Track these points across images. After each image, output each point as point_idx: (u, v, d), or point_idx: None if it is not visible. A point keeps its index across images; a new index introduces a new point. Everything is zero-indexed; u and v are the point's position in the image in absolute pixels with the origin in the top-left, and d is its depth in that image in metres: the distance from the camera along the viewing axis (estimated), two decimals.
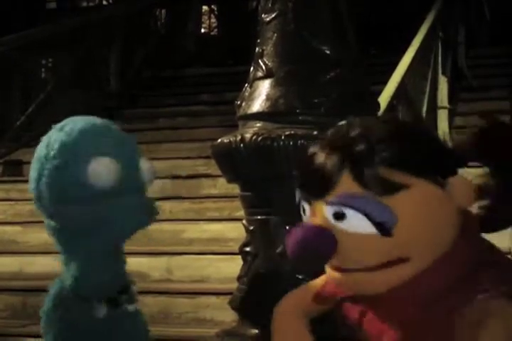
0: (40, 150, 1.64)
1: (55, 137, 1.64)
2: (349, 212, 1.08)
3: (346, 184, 1.08)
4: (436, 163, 1.12)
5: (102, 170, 1.54)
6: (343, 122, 1.18)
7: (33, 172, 1.64)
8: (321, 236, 1.10)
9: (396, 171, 1.08)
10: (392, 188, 1.07)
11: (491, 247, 1.19)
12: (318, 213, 1.12)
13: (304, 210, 1.16)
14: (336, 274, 1.15)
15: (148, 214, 1.67)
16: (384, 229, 1.07)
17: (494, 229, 1.21)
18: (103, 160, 1.56)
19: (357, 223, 1.08)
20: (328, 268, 1.18)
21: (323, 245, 1.10)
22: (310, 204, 1.14)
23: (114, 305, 1.64)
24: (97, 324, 1.63)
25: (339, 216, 1.09)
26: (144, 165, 1.69)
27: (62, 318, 1.65)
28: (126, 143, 1.68)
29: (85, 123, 1.69)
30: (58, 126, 1.66)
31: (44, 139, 1.66)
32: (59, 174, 1.57)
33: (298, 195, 1.17)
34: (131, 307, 1.68)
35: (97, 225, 1.59)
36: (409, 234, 1.08)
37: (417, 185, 1.08)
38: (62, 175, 1.56)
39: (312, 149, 1.15)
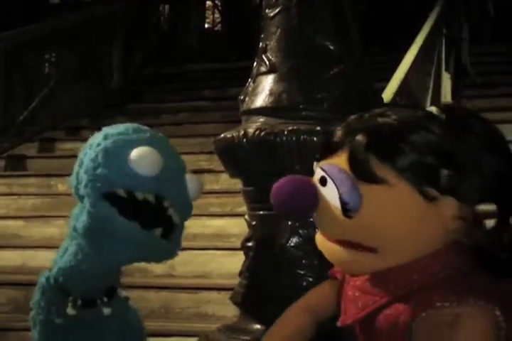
0: (87, 142, 1.66)
1: (101, 131, 1.65)
2: (329, 182, 1.16)
3: (341, 159, 1.16)
4: (429, 176, 1.12)
5: (144, 157, 1.54)
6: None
7: (77, 161, 1.66)
8: (304, 183, 1.21)
9: (386, 167, 1.12)
10: (371, 178, 1.12)
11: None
12: (315, 173, 1.22)
13: None
14: (324, 242, 1.23)
15: (163, 255, 1.69)
16: (346, 208, 1.14)
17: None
18: (145, 148, 1.56)
19: (331, 194, 1.16)
20: (319, 235, 1.25)
21: (304, 191, 1.20)
22: (316, 163, 1.23)
23: (89, 305, 1.61)
24: (70, 320, 1.60)
25: (323, 181, 1.18)
26: (191, 179, 1.69)
27: (44, 309, 1.63)
28: (171, 149, 1.72)
29: (132, 124, 1.71)
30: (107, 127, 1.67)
31: (92, 136, 1.67)
32: (99, 159, 1.56)
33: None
34: (106, 311, 1.64)
35: (109, 238, 1.57)
36: (369, 223, 1.13)
37: (398, 186, 1.11)
38: (102, 160, 1.55)
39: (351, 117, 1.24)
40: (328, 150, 1.20)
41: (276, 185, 1.24)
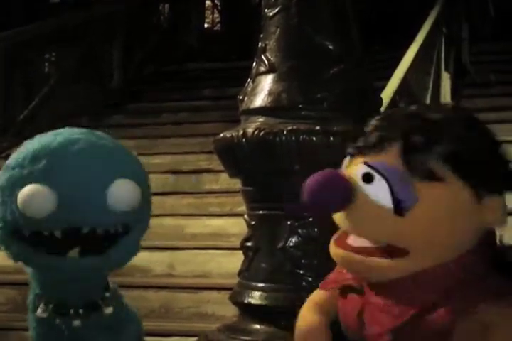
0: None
1: None
2: (378, 179, 1.10)
3: (391, 155, 1.11)
4: (485, 175, 1.12)
5: (29, 200, 1.32)
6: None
7: None
8: (338, 179, 1.13)
9: (443, 164, 1.09)
10: (428, 176, 1.09)
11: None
12: (352, 168, 1.16)
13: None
14: (339, 251, 1.18)
15: None
16: (400, 207, 1.09)
17: None
18: (30, 189, 1.32)
19: (379, 191, 1.10)
20: (332, 245, 1.20)
21: (337, 188, 1.13)
22: (350, 158, 1.18)
23: (92, 309, 1.54)
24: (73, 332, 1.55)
25: (368, 178, 1.12)
26: (118, 190, 1.38)
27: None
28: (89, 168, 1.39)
29: None
30: None
31: None
32: None
33: (347, 149, 1.21)
34: (108, 310, 1.59)
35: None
36: (421, 223, 1.09)
37: (453, 185, 1.10)
38: None
39: (383, 114, 1.20)
40: (370, 146, 1.14)
41: (309, 179, 1.16)
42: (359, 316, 1.22)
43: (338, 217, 1.18)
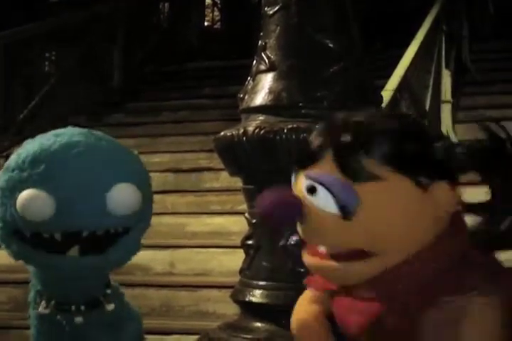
0: None
1: None
2: (320, 189, 1.13)
3: (326, 163, 1.13)
4: (420, 165, 1.13)
5: (28, 204, 1.31)
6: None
7: None
8: (287, 198, 1.17)
9: (377, 163, 1.11)
10: (364, 176, 1.10)
11: (479, 246, 1.19)
12: (298, 184, 1.18)
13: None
14: (309, 259, 1.20)
15: None
16: (345, 211, 1.11)
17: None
18: (28, 194, 1.32)
19: (325, 201, 1.13)
20: (303, 253, 1.22)
21: (289, 204, 1.16)
22: (296, 174, 1.20)
23: (93, 306, 1.54)
24: (74, 329, 1.55)
25: (311, 190, 1.14)
26: (119, 194, 1.37)
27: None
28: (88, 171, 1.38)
29: None
30: None
31: None
32: None
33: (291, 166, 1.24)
34: (109, 307, 1.59)
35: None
36: (370, 224, 1.11)
37: (392, 180, 1.11)
38: None
39: (317, 127, 1.21)
40: (307, 159, 1.17)
41: (259, 198, 1.20)
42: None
43: (299, 229, 1.21)
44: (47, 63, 7.14)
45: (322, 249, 1.17)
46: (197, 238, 3.87)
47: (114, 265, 1.45)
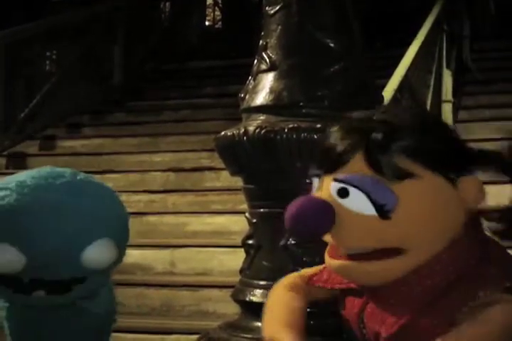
0: None
1: None
2: (353, 191, 1.11)
3: (357, 164, 1.11)
4: (451, 160, 1.14)
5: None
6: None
7: None
8: (319, 206, 1.13)
9: (409, 160, 1.10)
10: (399, 175, 1.09)
11: (496, 244, 1.19)
12: (324, 188, 1.15)
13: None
14: (334, 262, 1.17)
15: None
16: (383, 211, 1.09)
17: None
18: None
19: (359, 203, 1.10)
20: (326, 256, 1.20)
21: (320, 215, 1.12)
22: (319, 178, 1.17)
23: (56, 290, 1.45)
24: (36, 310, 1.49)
25: (343, 193, 1.12)
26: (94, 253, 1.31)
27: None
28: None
29: None
30: None
31: None
32: None
33: (310, 170, 1.20)
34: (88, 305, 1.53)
35: None
36: (407, 222, 1.10)
37: (426, 177, 1.11)
38: None
39: (335, 127, 1.18)
40: (334, 162, 1.14)
41: (289, 210, 1.15)
42: (359, 315, 1.22)
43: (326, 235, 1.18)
44: (48, 62, 7.14)
45: (350, 250, 1.15)
46: (198, 237, 3.87)
47: (83, 298, 1.40)
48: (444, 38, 5.51)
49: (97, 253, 1.29)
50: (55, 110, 6.25)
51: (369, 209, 1.10)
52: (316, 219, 1.12)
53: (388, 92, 2.96)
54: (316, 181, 1.18)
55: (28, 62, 6.29)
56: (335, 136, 1.16)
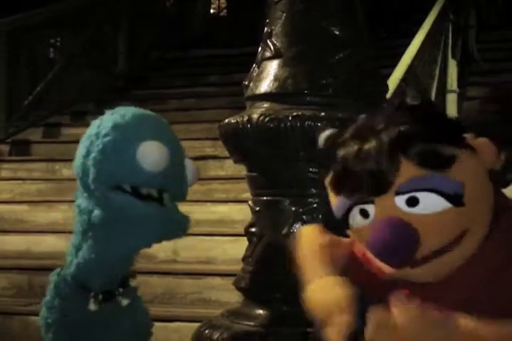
0: (92, 129, 1.63)
1: (107, 118, 1.62)
2: (421, 195, 1.09)
3: (406, 170, 1.09)
4: (460, 131, 1.15)
5: (152, 153, 1.54)
6: (360, 117, 1.19)
7: (81, 148, 1.63)
8: (404, 232, 1.09)
9: (445, 145, 1.10)
10: (446, 161, 1.09)
11: None
12: (387, 208, 1.11)
13: (363, 215, 1.14)
14: (416, 270, 1.14)
15: (180, 229, 1.83)
16: (457, 199, 1.09)
17: None
18: (153, 143, 1.55)
19: (432, 202, 1.09)
20: (391, 269, 1.15)
21: (408, 241, 1.10)
22: (373, 204, 1.12)
23: (108, 298, 1.64)
24: (90, 316, 1.62)
25: (413, 202, 1.09)
26: (189, 165, 1.74)
27: (58, 308, 1.64)
28: (175, 140, 1.72)
29: (138, 110, 1.71)
30: (111, 111, 1.67)
31: (96, 121, 1.64)
32: (108, 152, 1.56)
33: (344, 202, 1.14)
34: (124, 302, 1.67)
35: (129, 224, 1.60)
36: (472, 202, 1.11)
37: (462, 154, 1.12)
38: (111, 154, 1.55)
39: (343, 150, 1.13)
40: (380, 182, 1.09)
41: (374, 240, 1.11)
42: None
43: None
44: (52, 49, 7.12)
45: (435, 247, 1.12)
46: (201, 226, 3.86)
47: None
48: (450, 28, 5.48)
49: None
50: (59, 98, 6.24)
51: (443, 205, 1.09)
52: (405, 249, 1.10)
53: (393, 81, 2.95)
54: (371, 209, 1.13)
55: (32, 49, 6.27)
56: (359, 157, 1.11)
